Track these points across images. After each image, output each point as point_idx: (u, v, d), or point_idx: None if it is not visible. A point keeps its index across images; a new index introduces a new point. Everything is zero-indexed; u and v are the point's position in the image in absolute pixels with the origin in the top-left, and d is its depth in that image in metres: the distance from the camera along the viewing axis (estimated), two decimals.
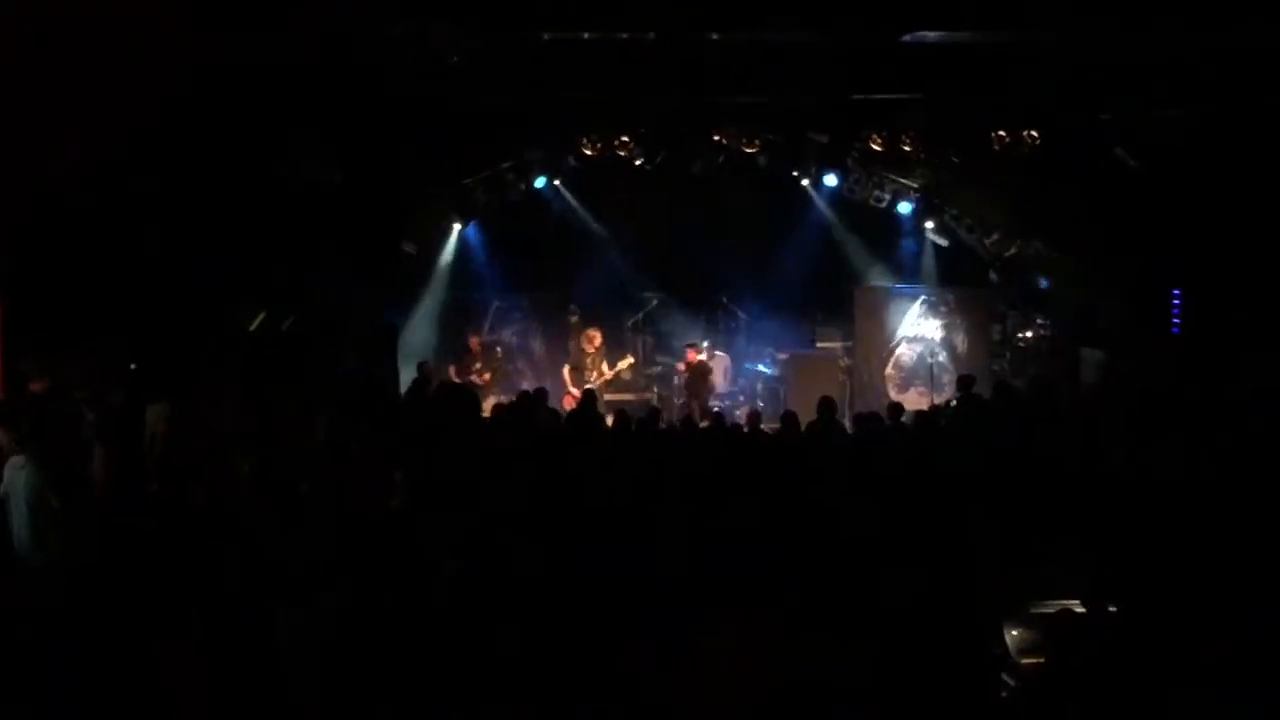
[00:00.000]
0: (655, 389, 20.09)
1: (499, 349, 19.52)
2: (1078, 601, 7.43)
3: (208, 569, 8.10)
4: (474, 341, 19.23)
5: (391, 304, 18.45)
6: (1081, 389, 17.39)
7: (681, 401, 18.97)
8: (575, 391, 17.75)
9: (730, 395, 19.54)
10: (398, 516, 9.47)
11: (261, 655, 7.52)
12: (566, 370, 18.93)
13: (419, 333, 19.34)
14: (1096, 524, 9.26)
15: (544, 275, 20.34)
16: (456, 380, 17.59)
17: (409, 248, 18.89)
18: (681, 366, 19.22)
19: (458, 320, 19.76)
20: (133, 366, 13.26)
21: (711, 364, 19.36)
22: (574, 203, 20.24)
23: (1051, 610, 7.30)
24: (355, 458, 10.38)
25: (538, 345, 20.05)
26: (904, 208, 19.78)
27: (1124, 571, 8.18)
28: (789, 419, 13.26)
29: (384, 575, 8.21)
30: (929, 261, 20.72)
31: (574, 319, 20.05)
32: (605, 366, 18.75)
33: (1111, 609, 7.25)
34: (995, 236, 19.63)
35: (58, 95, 10.87)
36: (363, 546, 8.53)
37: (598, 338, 19.02)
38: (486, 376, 18.73)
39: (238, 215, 14.56)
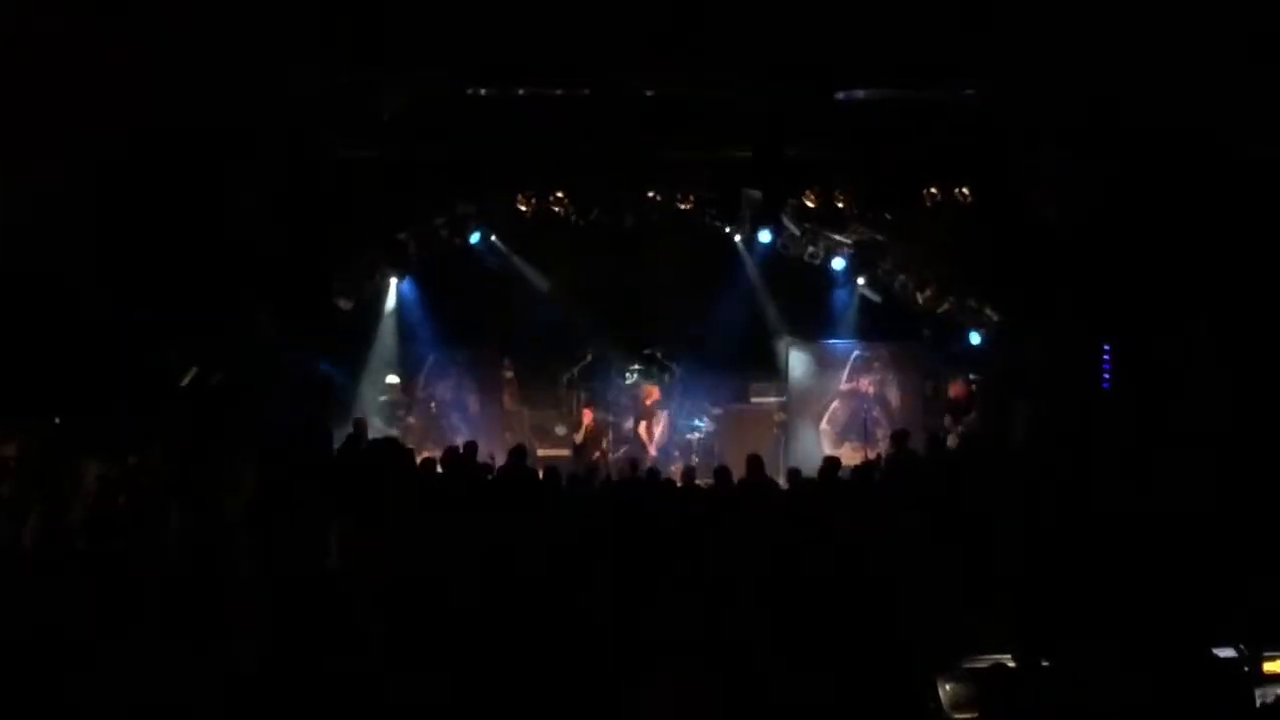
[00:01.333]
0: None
1: (433, 404, 19.45)
2: (1009, 656, 7.42)
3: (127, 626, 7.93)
4: (402, 396, 19.36)
5: (329, 358, 18.31)
6: (1013, 441, 17.49)
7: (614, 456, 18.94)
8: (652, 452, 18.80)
9: (665, 451, 19.49)
10: (331, 576, 9.36)
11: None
12: (643, 428, 19.53)
13: (360, 388, 19.22)
14: (1028, 577, 9.28)
15: (479, 329, 20.26)
16: (386, 434, 17.52)
17: (343, 303, 18.74)
18: (586, 420, 19.36)
19: (390, 373, 19.61)
20: (56, 421, 13.09)
21: (651, 417, 19.56)
22: (510, 256, 20.22)
23: (984, 665, 7.28)
24: (288, 515, 10.27)
25: (472, 400, 19.92)
26: (837, 263, 19.83)
27: (1055, 625, 8.20)
28: (722, 474, 13.28)
29: (313, 635, 8.05)
30: (863, 317, 20.73)
31: (508, 374, 20.02)
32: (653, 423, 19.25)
33: (1044, 663, 7.25)
34: (928, 292, 19.72)
35: None
36: (293, 606, 8.40)
37: (655, 392, 19.49)
38: (409, 426, 18.84)
39: (170, 270, 14.47)
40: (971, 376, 19.78)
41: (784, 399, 20.10)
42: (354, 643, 8.02)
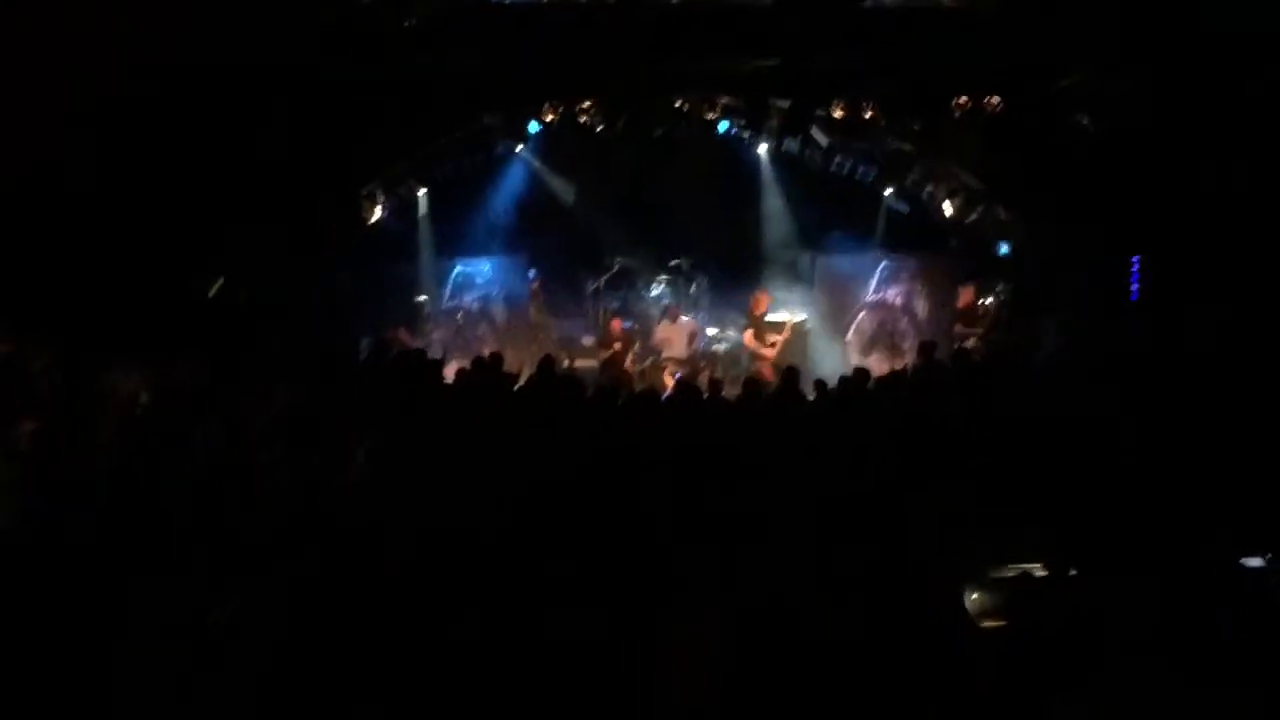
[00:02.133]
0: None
1: (459, 315, 19.48)
2: (1039, 565, 7.45)
3: (161, 542, 7.95)
4: (425, 308, 19.41)
5: (356, 271, 18.31)
6: (1041, 355, 17.41)
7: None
8: (768, 351, 18.62)
9: (692, 361, 19.53)
10: (360, 490, 9.40)
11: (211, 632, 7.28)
12: (748, 336, 19.09)
13: (387, 300, 19.22)
14: (1057, 489, 9.29)
15: (504, 240, 20.26)
16: (412, 345, 17.54)
17: (370, 215, 18.72)
18: (615, 330, 19.36)
19: (419, 286, 19.65)
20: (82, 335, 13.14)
21: (676, 328, 19.55)
22: (535, 168, 20.20)
23: (1012, 574, 7.32)
24: (317, 429, 10.32)
25: (499, 311, 19.95)
26: (864, 174, 19.78)
27: (1085, 536, 8.22)
28: (750, 385, 13.31)
29: (345, 550, 8.08)
30: (890, 228, 20.67)
31: (534, 284, 20.03)
32: (775, 334, 18.96)
33: (1072, 572, 7.28)
34: (956, 202, 19.61)
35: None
36: (324, 520, 8.45)
37: (765, 300, 19.24)
38: (433, 339, 18.91)
39: (196, 192, 14.47)
40: (999, 288, 19.71)
41: (804, 318, 20.04)
42: (382, 569, 8.02)
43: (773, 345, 18.73)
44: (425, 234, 20.01)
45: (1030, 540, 8.07)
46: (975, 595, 7.53)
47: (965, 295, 19.46)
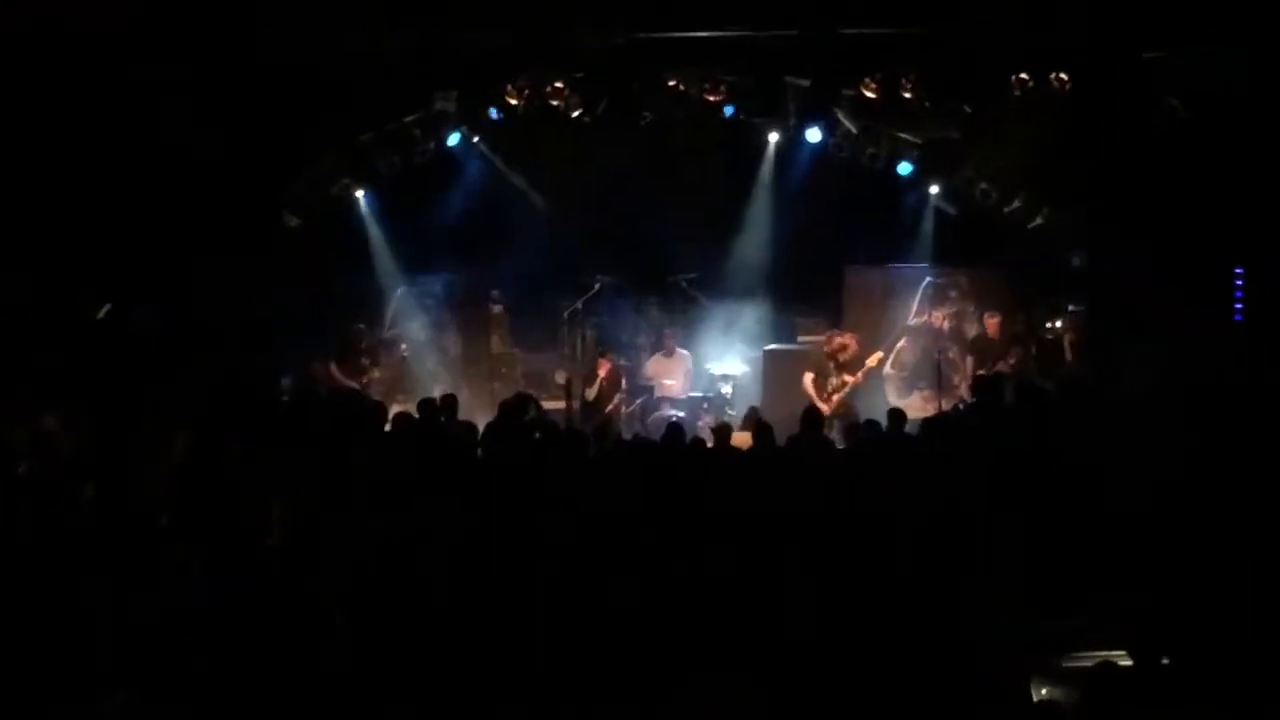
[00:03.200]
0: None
1: (402, 345, 19.37)
2: (1123, 653, 7.38)
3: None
4: (357, 334, 19.10)
5: (272, 292, 18.20)
6: (1125, 391, 17.32)
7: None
8: (824, 406, 17.22)
9: (690, 403, 19.44)
10: (276, 556, 9.34)
11: None
12: (809, 380, 18.08)
13: (306, 327, 19.09)
14: (1145, 556, 9.20)
15: (460, 254, 20.18)
16: (344, 384, 17.45)
17: (293, 220, 18.63)
18: (602, 372, 18.94)
19: (354, 310, 19.52)
20: None
21: (672, 362, 19.53)
22: (497, 164, 20.18)
23: (1089, 663, 7.25)
24: (225, 483, 10.24)
25: (453, 341, 19.87)
26: (904, 168, 19.65)
27: (1183, 617, 8.14)
28: (763, 432, 13.21)
29: (256, 632, 8.07)
30: (936, 235, 20.57)
31: (497, 309, 19.94)
32: (846, 374, 18.00)
33: (1165, 661, 7.21)
34: (1017, 203, 19.50)
35: None
36: (233, 596, 8.40)
37: (851, 344, 18.30)
38: (372, 376, 18.71)
39: (74, 185, 14.39)
40: (1072, 309, 19.63)
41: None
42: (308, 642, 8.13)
43: (832, 397, 17.76)
44: (362, 246, 19.88)
45: (1112, 621, 8.01)
46: (1044, 690, 7.48)
47: (990, 323, 19.36)
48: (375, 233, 19.93)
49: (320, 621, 8.30)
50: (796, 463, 12.55)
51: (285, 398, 16.15)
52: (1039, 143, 18.48)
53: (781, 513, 10.44)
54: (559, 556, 9.35)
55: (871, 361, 18.06)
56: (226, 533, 9.36)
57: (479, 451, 13.10)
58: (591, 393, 18.70)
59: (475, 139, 19.59)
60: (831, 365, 17.85)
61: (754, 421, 14.97)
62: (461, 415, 14.76)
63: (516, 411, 14.26)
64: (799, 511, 10.52)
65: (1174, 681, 7.14)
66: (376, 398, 16.82)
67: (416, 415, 13.96)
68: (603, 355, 19.14)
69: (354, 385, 17.80)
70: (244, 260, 17.55)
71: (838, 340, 18.14)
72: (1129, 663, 7.31)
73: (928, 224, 20.61)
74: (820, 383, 17.81)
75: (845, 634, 8.40)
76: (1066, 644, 7.87)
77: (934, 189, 20.20)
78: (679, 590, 8.86)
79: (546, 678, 8.05)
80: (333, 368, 18.18)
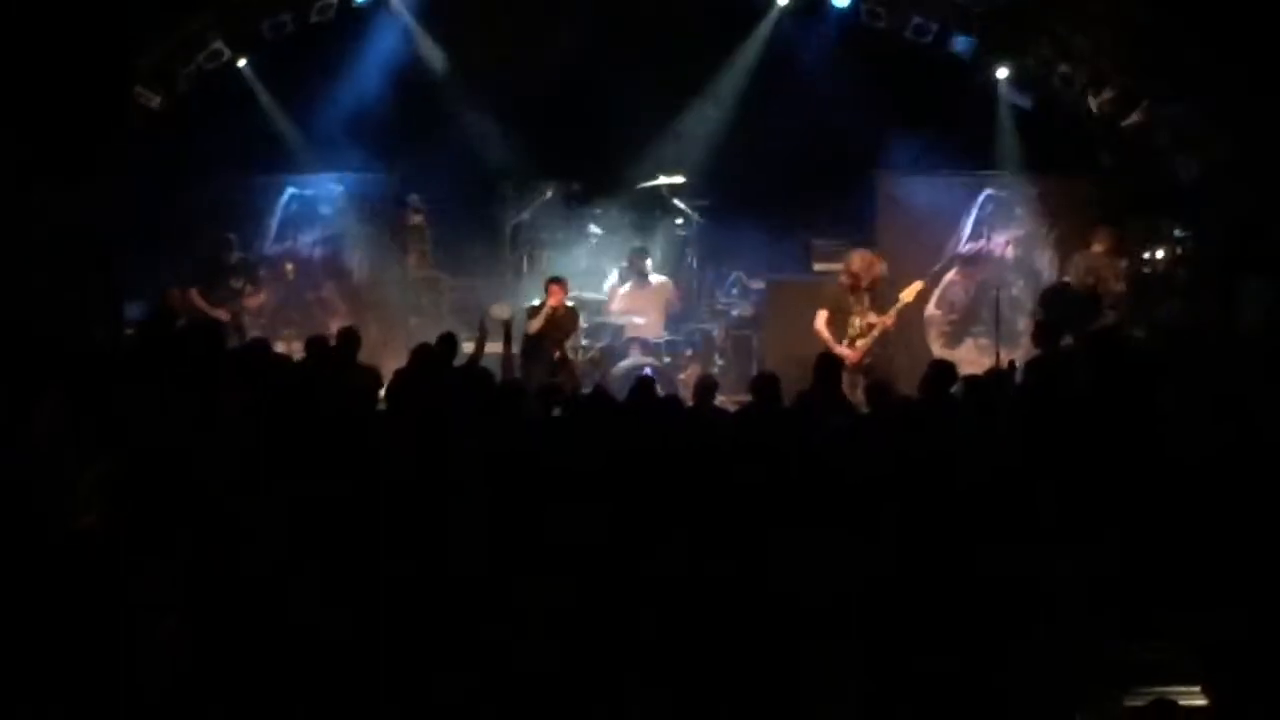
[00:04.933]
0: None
1: (289, 265, 19.26)
2: (1192, 688, 7.44)
3: None
4: (236, 254, 19.02)
5: (120, 194, 18.06)
6: (1240, 337, 17.25)
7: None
8: (847, 352, 16.89)
9: (670, 345, 19.43)
10: (90, 541, 9.19)
11: None
12: (822, 320, 17.59)
13: (164, 241, 18.99)
14: (1248, 571, 9.08)
15: (369, 148, 20.18)
16: (209, 314, 17.33)
17: (149, 100, 18.46)
18: (553, 300, 18.36)
19: (226, 218, 19.52)
20: None
21: (647, 293, 19.50)
22: (414, 28, 20.11)
23: (1145, 701, 7.27)
24: (32, 441, 10.11)
25: (357, 260, 19.89)
26: (961, 45, 19.59)
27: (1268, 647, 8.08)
28: (765, 387, 13.07)
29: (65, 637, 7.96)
30: (1002, 133, 20.55)
31: (415, 217, 19.83)
32: (875, 313, 17.55)
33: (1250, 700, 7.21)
34: (1108, 94, 19.40)
35: None
36: (30, 591, 8.28)
37: (877, 264, 17.70)
38: (247, 304, 18.64)
39: None
40: (1178, 234, 19.55)
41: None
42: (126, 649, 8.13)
43: (855, 342, 17.17)
44: (241, 134, 19.79)
45: (1181, 648, 8.06)
46: None
47: (1101, 240, 19.10)
48: (259, 117, 19.85)
49: (141, 630, 8.17)
50: (802, 430, 12.39)
51: (129, 332, 15.97)
52: (1139, 14, 18.35)
53: (779, 499, 10.29)
54: (473, 555, 9.29)
55: (907, 295, 17.52)
56: (18, 512, 9.19)
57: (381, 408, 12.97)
58: (535, 325, 18.27)
59: None
60: (853, 300, 17.42)
61: (704, 382, 14.62)
62: (367, 357, 14.68)
63: (442, 356, 14.20)
64: (802, 497, 10.36)
65: None
66: (255, 332, 16.75)
67: (304, 355, 13.87)
68: (555, 281, 18.70)
69: (221, 315, 17.64)
70: (84, 151, 17.38)
71: (859, 262, 17.57)
72: (1202, 702, 7.27)
73: (992, 119, 20.61)
74: (838, 323, 17.40)
75: (857, 656, 8.46)
76: (1136, 676, 7.77)
77: (1001, 73, 20.14)
78: (637, 597, 8.86)
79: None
80: (193, 293, 18.02)
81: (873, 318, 17.12)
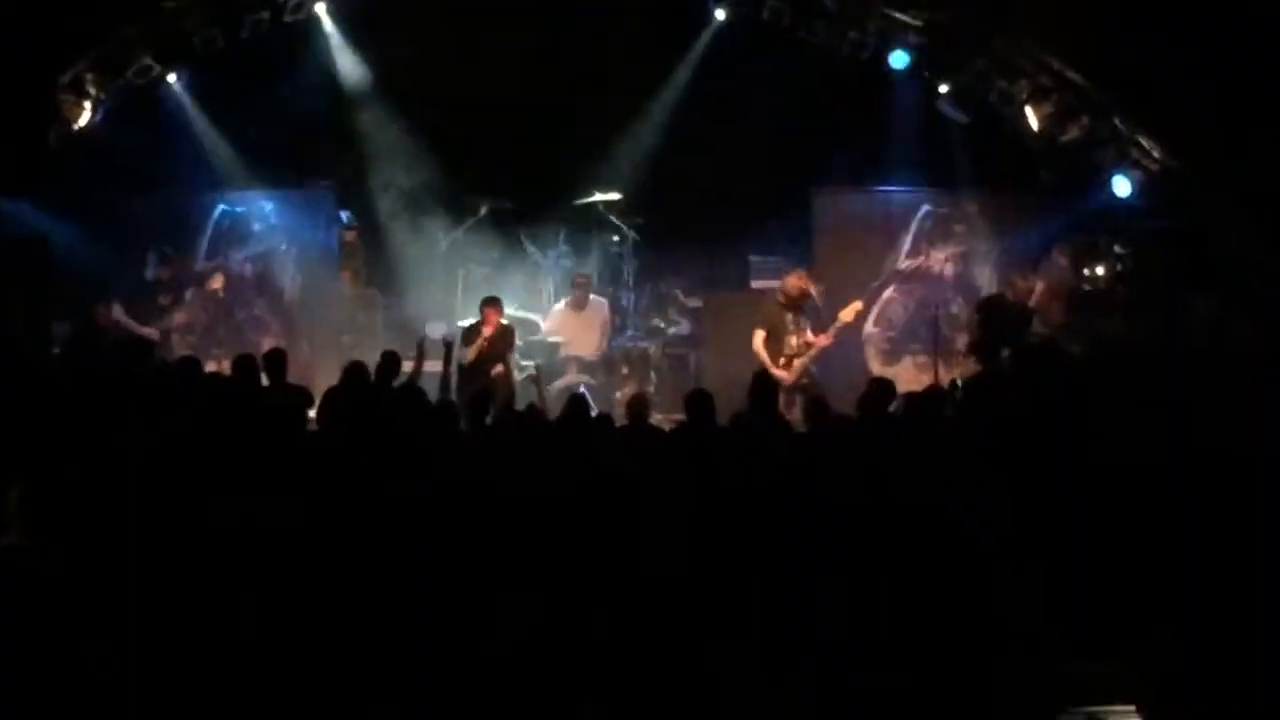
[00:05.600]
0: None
1: (220, 283, 19.20)
2: (1127, 708, 7.52)
3: None
4: (165, 271, 19.02)
5: (45, 209, 17.96)
6: (1182, 357, 17.26)
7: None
8: (782, 373, 16.88)
9: (606, 364, 19.47)
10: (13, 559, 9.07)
11: None
12: (759, 340, 17.53)
13: (102, 258, 18.86)
14: (1194, 587, 9.04)
15: (302, 163, 20.18)
16: (136, 332, 17.22)
17: (77, 116, 18.35)
18: (488, 329, 18.10)
19: (155, 234, 19.48)
20: None
21: (585, 315, 19.44)
22: (345, 45, 20.09)
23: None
24: None
25: (290, 277, 19.86)
26: (898, 60, 19.63)
27: (1232, 664, 8.02)
28: (698, 404, 13.00)
29: None
30: (937, 150, 20.47)
31: (349, 237, 19.76)
32: (812, 332, 17.50)
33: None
34: (1048, 109, 19.43)
35: None
36: None
37: (811, 284, 17.76)
38: (173, 322, 18.50)
39: None
40: (1119, 250, 19.55)
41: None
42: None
43: (791, 362, 17.25)
44: (170, 149, 19.62)
45: (1117, 667, 8.16)
46: None
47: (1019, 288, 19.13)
48: (189, 133, 19.70)
49: (67, 653, 8.08)
50: (738, 449, 12.32)
51: (57, 351, 15.86)
52: (1078, 27, 18.37)
53: (714, 521, 10.21)
54: (405, 577, 9.21)
55: (847, 316, 17.65)
56: None
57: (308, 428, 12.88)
58: (470, 354, 18.09)
59: (320, 6, 19.50)
60: (789, 318, 17.46)
61: (636, 400, 14.55)
62: (299, 376, 14.64)
63: (382, 374, 14.32)
64: (739, 519, 10.28)
65: None
66: (184, 351, 16.65)
67: (231, 373, 13.77)
68: (490, 304, 18.47)
69: (150, 333, 17.52)
70: (8, 166, 17.30)
71: (794, 283, 17.61)
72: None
73: (929, 135, 20.50)
74: (775, 342, 17.42)
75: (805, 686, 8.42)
76: (1072, 695, 7.77)
77: (942, 89, 20.10)
78: (567, 623, 8.83)
79: None
80: (115, 309, 17.89)
81: (810, 336, 17.11)
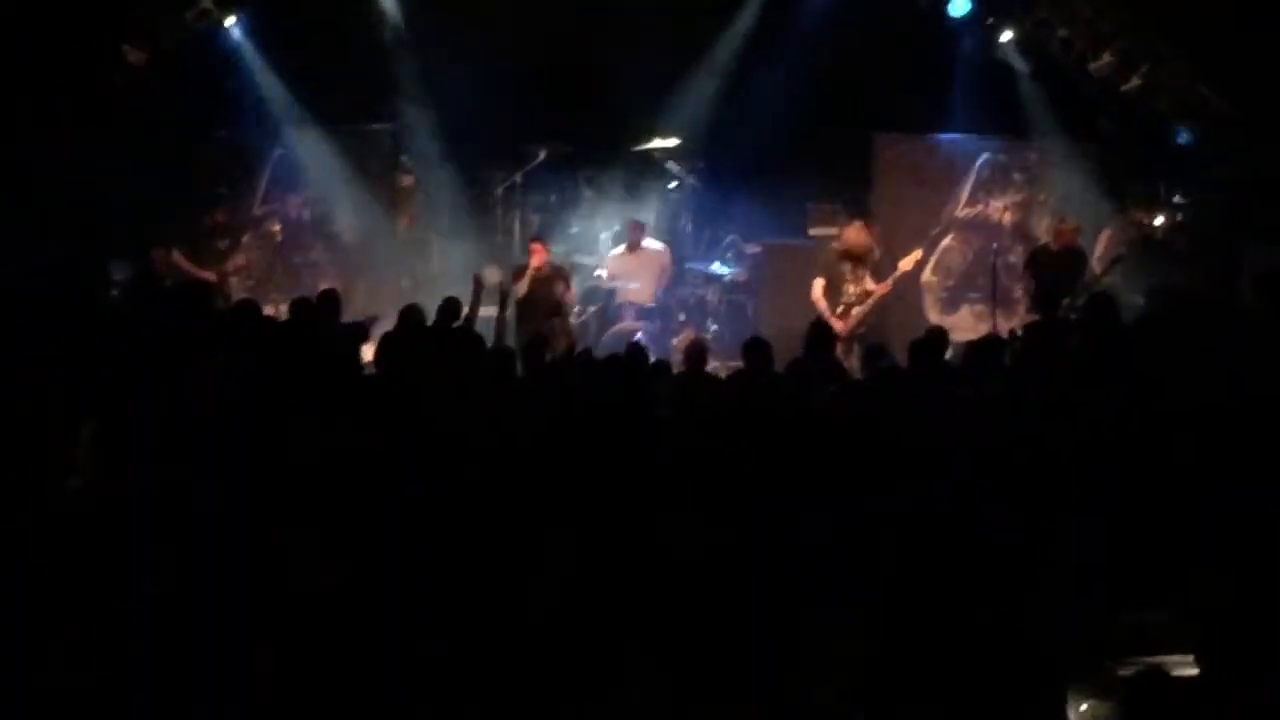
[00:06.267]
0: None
1: (277, 226, 19.22)
2: (1184, 657, 7.40)
3: None
4: (221, 215, 19.09)
5: (106, 151, 18.00)
6: (1242, 310, 17.18)
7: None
8: (838, 323, 16.96)
9: (663, 311, 19.41)
10: (80, 502, 9.14)
11: None
12: (819, 288, 17.74)
13: (159, 200, 18.90)
14: (1239, 536, 9.05)
15: (359, 106, 20.13)
16: (194, 275, 17.28)
17: (134, 55, 18.39)
18: (535, 261, 18.21)
19: (213, 177, 19.55)
20: None
21: (640, 257, 19.39)
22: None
23: (1134, 672, 7.20)
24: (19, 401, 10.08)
25: (346, 222, 19.88)
26: (959, 7, 19.53)
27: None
28: (757, 352, 13.01)
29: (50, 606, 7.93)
30: (997, 97, 20.32)
31: (406, 179, 19.76)
32: (870, 281, 17.66)
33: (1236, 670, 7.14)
34: (1108, 57, 19.34)
35: None
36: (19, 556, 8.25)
37: (867, 234, 17.96)
38: (234, 264, 18.67)
39: None
40: (1178, 200, 19.48)
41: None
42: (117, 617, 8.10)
43: (850, 311, 17.40)
44: (228, 91, 19.61)
45: (1172, 616, 8.11)
46: (1085, 705, 7.52)
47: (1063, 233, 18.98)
48: (247, 75, 19.70)
49: (125, 593, 8.13)
50: (794, 397, 12.33)
51: (115, 293, 15.92)
52: None
53: (768, 469, 10.23)
54: (454, 527, 9.20)
55: (906, 264, 17.67)
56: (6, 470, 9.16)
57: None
58: (522, 288, 18.09)
59: None
60: (848, 268, 17.52)
61: (694, 346, 14.56)
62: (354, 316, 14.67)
63: (441, 320, 14.38)
64: (792, 469, 10.30)
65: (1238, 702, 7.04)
66: (241, 294, 16.69)
67: (289, 316, 13.83)
68: (535, 240, 18.71)
69: (208, 276, 17.57)
70: (69, 107, 17.36)
71: (854, 236, 17.77)
72: (1194, 671, 7.24)
73: (990, 82, 20.36)
74: (834, 291, 17.50)
75: (856, 624, 8.42)
76: (1127, 646, 7.80)
77: (1002, 37, 20.03)
78: (624, 575, 8.81)
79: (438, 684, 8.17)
80: (175, 254, 17.95)
81: (870, 284, 17.17)
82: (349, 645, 8.19)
